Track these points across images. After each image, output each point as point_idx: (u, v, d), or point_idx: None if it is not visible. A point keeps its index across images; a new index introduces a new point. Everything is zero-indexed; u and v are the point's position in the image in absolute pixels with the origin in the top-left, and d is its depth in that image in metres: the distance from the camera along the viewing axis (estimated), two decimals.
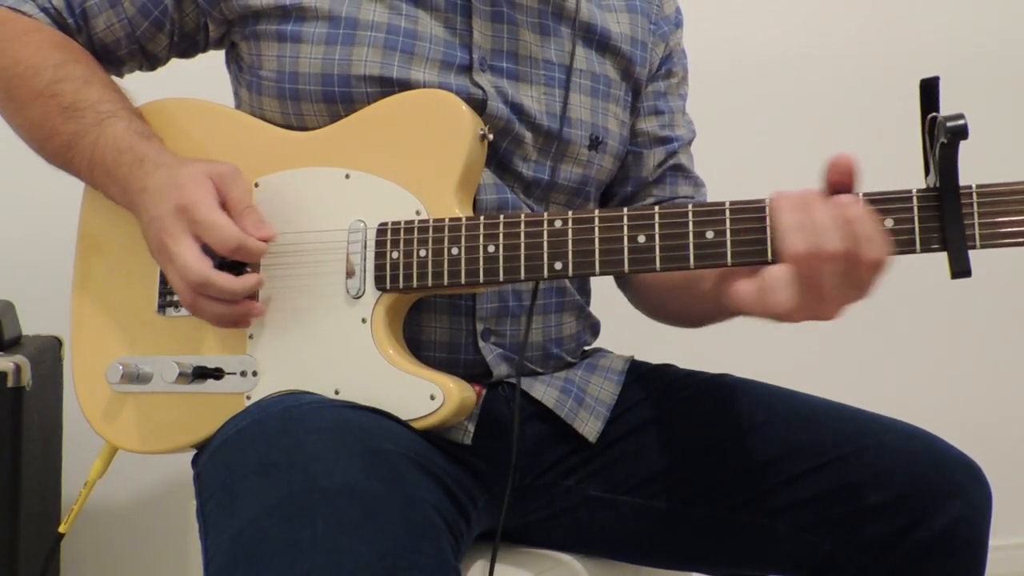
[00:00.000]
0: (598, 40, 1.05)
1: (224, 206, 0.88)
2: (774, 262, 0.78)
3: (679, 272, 0.99)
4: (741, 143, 1.95)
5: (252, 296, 0.90)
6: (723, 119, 1.81)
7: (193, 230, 0.86)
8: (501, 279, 0.86)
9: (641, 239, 0.82)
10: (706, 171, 1.18)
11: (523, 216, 0.86)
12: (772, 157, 1.97)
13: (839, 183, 0.78)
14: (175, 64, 1.08)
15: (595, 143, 1.03)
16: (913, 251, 0.77)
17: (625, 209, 0.83)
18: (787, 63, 2.04)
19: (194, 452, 0.97)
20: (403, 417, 0.87)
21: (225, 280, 0.86)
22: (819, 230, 0.75)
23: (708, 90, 1.33)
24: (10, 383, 1.33)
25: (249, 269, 0.91)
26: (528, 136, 0.99)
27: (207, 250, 0.86)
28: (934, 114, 0.76)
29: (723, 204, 0.81)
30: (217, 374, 0.93)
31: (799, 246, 0.75)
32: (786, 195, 0.78)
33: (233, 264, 0.90)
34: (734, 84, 1.97)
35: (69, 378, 1.02)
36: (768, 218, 0.79)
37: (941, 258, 0.77)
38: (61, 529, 1.06)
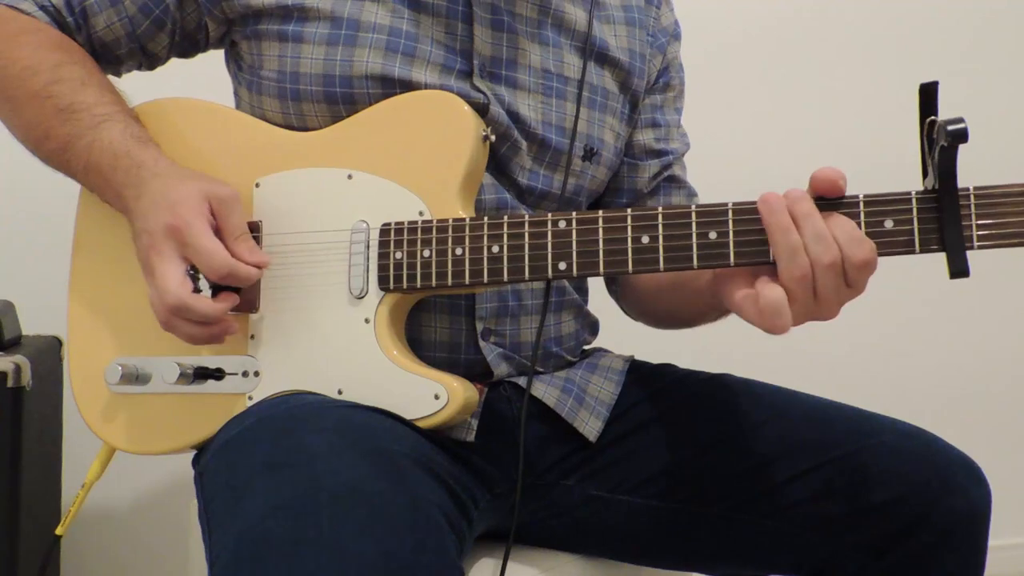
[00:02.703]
0: (597, 52, 1.06)
1: (218, 230, 0.87)
2: (776, 263, 0.80)
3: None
4: (739, 137, 1.96)
5: (252, 294, 0.90)
6: (720, 108, 1.82)
7: (182, 252, 0.85)
8: (505, 279, 0.86)
9: (645, 239, 0.83)
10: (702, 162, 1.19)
11: (527, 216, 0.86)
12: (771, 154, 1.98)
13: (825, 193, 0.80)
14: (174, 63, 1.07)
15: (589, 154, 1.04)
16: (912, 251, 0.79)
17: (629, 210, 0.84)
18: (784, 52, 2.05)
19: (194, 452, 0.97)
20: (408, 417, 0.87)
21: (201, 305, 0.85)
22: (809, 244, 0.77)
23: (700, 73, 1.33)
24: (10, 383, 1.32)
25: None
26: (524, 144, 1.00)
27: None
28: (933, 118, 0.76)
29: (725, 205, 0.82)
30: (218, 374, 0.93)
31: (795, 271, 0.78)
32: (778, 206, 0.79)
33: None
34: (731, 74, 1.98)
35: (69, 378, 1.01)
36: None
37: (940, 257, 0.78)
38: (58, 531, 1.05)
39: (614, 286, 1.18)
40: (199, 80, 1.11)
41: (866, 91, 2.04)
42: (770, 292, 0.78)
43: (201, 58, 1.08)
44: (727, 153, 1.79)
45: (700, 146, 1.21)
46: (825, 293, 0.78)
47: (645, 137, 1.12)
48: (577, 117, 1.00)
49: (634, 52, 1.09)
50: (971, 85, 1.98)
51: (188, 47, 1.05)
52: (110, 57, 1.03)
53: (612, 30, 1.08)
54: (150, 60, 1.06)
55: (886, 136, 1.69)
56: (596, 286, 1.15)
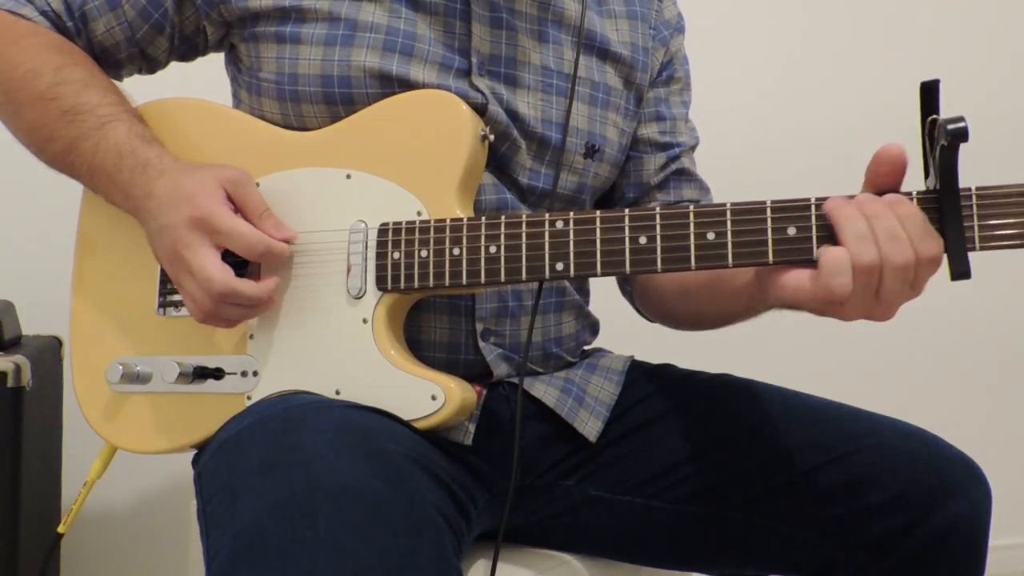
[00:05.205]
0: (598, 48, 1.05)
1: (239, 211, 0.88)
2: (775, 264, 0.79)
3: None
4: (739, 142, 1.96)
5: None
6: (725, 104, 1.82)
7: (214, 240, 0.86)
8: (503, 280, 0.86)
9: (642, 240, 0.82)
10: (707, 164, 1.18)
11: (524, 217, 0.86)
12: (773, 155, 1.98)
13: (887, 177, 0.77)
14: (175, 64, 1.08)
15: (591, 151, 1.03)
16: None
17: (627, 210, 0.84)
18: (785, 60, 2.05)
19: (194, 452, 0.97)
20: (405, 417, 0.87)
21: (250, 288, 0.87)
22: (882, 241, 0.74)
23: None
24: (10, 383, 1.33)
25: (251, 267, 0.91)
26: (523, 143, 0.99)
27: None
28: (934, 116, 0.76)
29: (724, 205, 0.81)
30: (217, 374, 0.93)
31: (863, 257, 0.74)
32: (844, 202, 0.77)
33: (235, 264, 0.90)
34: (734, 79, 1.98)
35: (69, 378, 1.02)
36: (769, 220, 0.79)
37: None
38: (60, 529, 1.06)
39: (627, 286, 1.17)
40: (199, 81, 1.12)
41: (872, 88, 2.04)
42: (832, 251, 0.75)
43: (201, 59, 1.08)
44: (729, 150, 1.79)
45: (706, 141, 1.20)
46: (889, 294, 0.75)
47: (650, 131, 1.12)
48: (569, 111, 0.99)
49: (636, 46, 1.09)
50: (974, 83, 1.98)
51: (187, 51, 1.05)
52: (110, 61, 1.03)
53: (614, 25, 1.08)
54: (150, 64, 1.06)
55: (892, 133, 1.69)
56: (597, 286, 1.15)
